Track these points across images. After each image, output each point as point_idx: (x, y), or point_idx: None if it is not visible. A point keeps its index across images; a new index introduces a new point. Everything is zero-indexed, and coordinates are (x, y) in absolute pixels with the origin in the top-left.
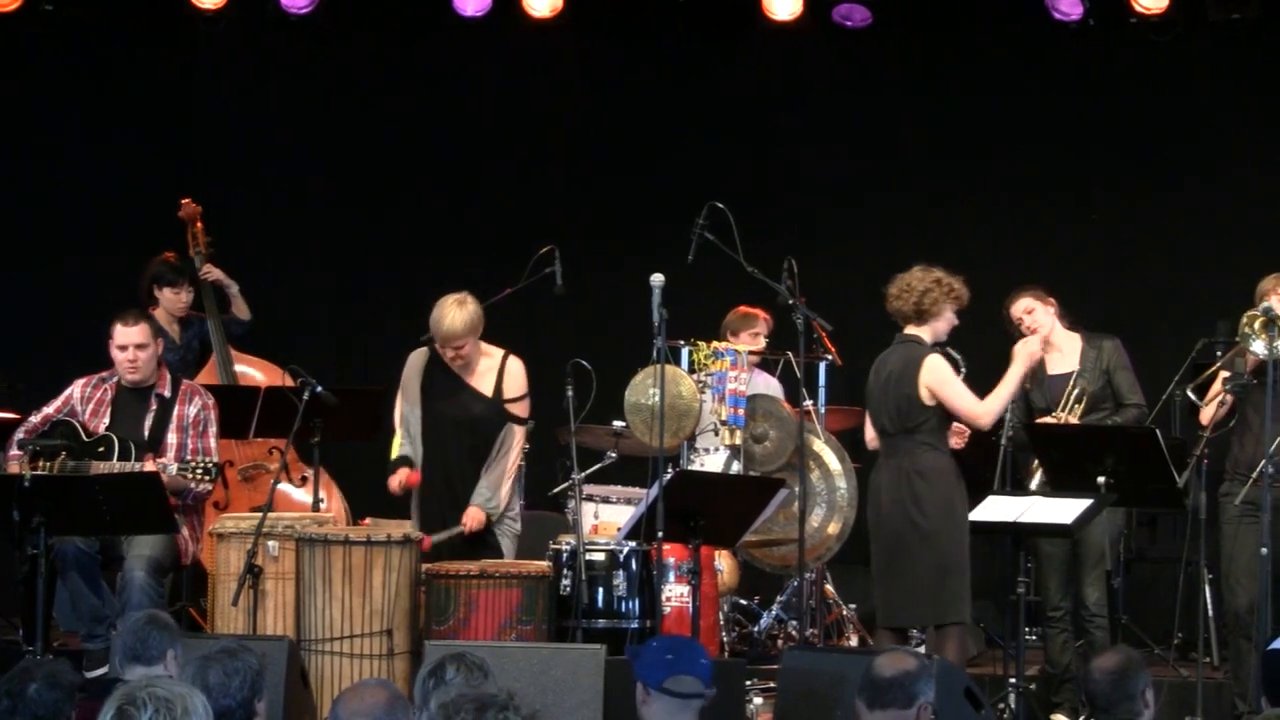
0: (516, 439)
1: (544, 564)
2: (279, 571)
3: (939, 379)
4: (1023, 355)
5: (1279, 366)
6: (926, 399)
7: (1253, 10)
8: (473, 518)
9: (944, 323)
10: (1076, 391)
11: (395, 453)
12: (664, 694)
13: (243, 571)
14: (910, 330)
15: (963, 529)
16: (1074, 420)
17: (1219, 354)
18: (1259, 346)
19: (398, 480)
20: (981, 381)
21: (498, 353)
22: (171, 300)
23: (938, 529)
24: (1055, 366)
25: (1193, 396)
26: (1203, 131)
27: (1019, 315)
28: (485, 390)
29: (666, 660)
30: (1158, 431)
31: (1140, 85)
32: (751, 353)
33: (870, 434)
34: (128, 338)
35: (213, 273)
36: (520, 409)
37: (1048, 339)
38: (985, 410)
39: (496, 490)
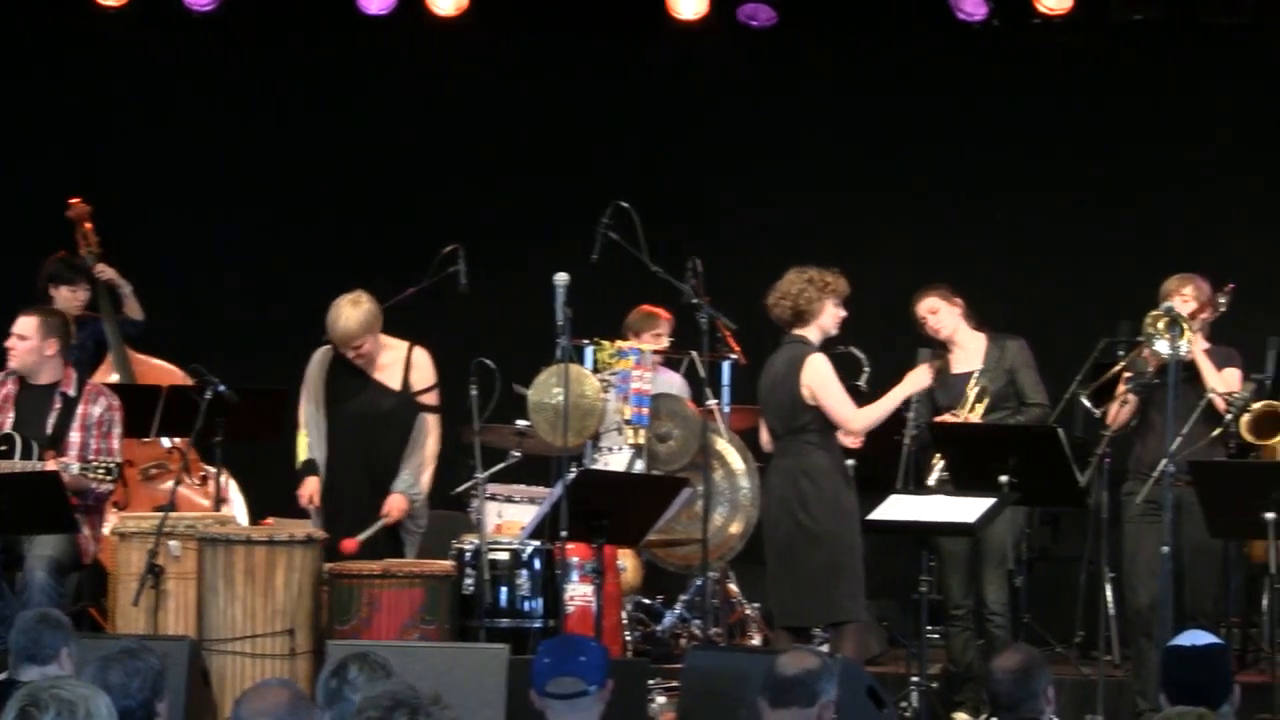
0: (432, 427)
1: (447, 563)
2: (180, 571)
3: (819, 380)
4: (910, 382)
5: (1181, 366)
6: (809, 399)
7: (1156, 11)
8: (395, 505)
9: (828, 318)
10: (977, 390)
11: (302, 455)
12: (549, 697)
13: (144, 571)
14: (797, 332)
15: (852, 528)
16: (975, 419)
17: (1121, 354)
18: (1162, 346)
19: (306, 494)
20: (886, 382)
21: (402, 345)
22: (68, 299)
23: (826, 529)
24: (959, 365)
25: (1087, 403)
26: (1107, 132)
27: (924, 314)
28: (393, 384)
29: (545, 664)
30: (1060, 431)
31: (1044, 85)
32: (655, 352)
33: (765, 436)
34: (15, 327)
35: (106, 272)
36: (432, 398)
37: (951, 339)
38: (858, 420)
39: (418, 477)
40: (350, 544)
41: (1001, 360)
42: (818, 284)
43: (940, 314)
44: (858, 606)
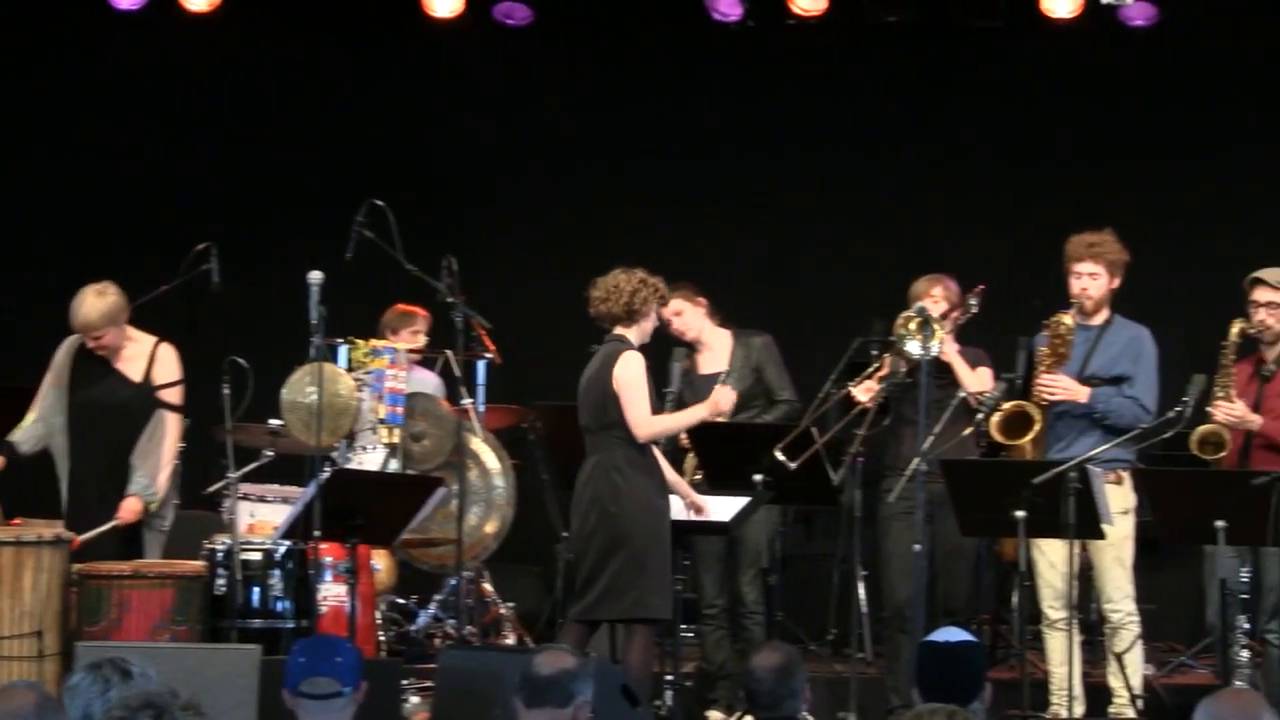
0: (170, 425)
1: (198, 564)
2: None
3: (627, 376)
4: (710, 403)
5: (934, 366)
6: (616, 390)
7: (909, 13)
8: (129, 509)
9: (650, 323)
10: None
11: (17, 433)
12: (301, 697)
13: None
14: (618, 331)
15: (662, 524)
16: (722, 419)
17: (874, 353)
18: (914, 347)
19: None
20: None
21: (148, 339)
22: None
23: (635, 524)
24: (706, 366)
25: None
26: (860, 133)
27: (669, 316)
28: (134, 376)
29: (300, 663)
30: (814, 430)
31: (799, 86)
32: (411, 351)
33: None
34: None
35: None
36: (173, 395)
37: (698, 339)
38: (647, 426)
39: (154, 478)
40: (75, 541)
41: (748, 358)
42: (650, 286)
43: (685, 315)
44: (663, 604)
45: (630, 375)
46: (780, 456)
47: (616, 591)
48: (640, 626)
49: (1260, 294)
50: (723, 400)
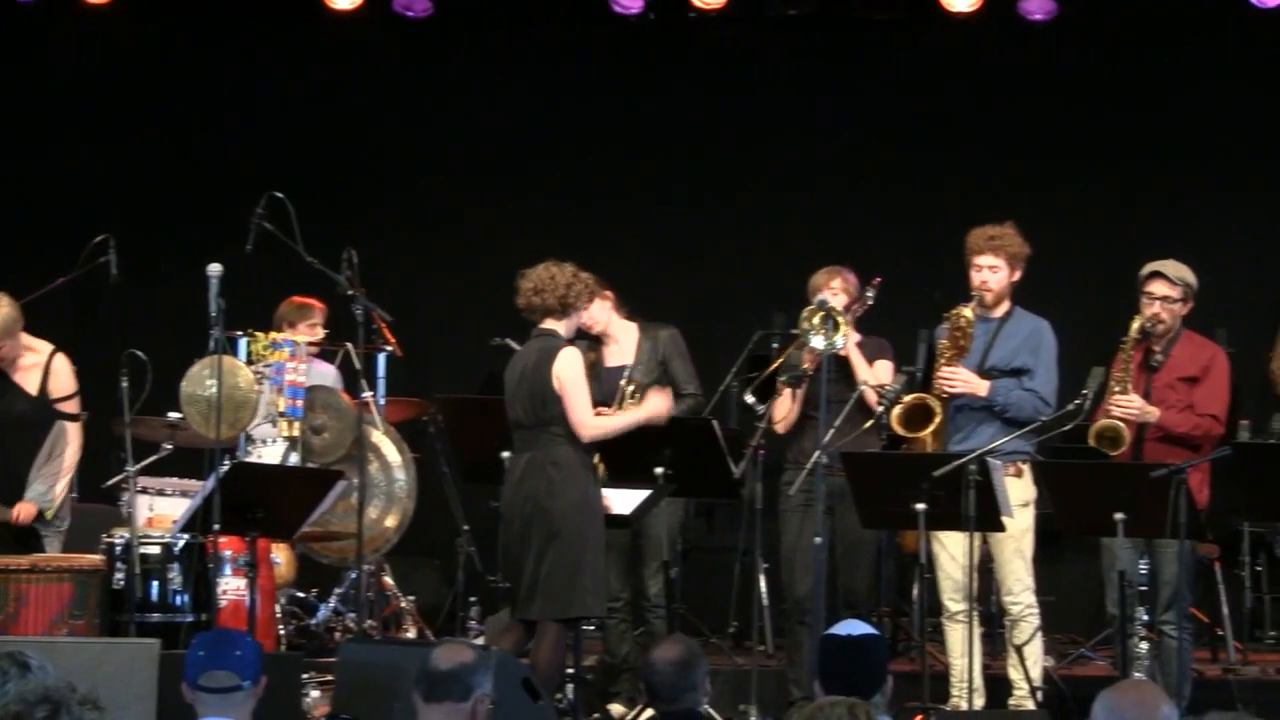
0: (72, 436)
1: (97, 558)
2: None
3: (570, 374)
4: (649, 407)
5: (835, 359)
6: (559, 389)
7: (809, 6)
8: (24, 509)
9: (580, 317)
10: (632, 388)
11: None
12: (200, 690)
13: None
14: (549, 324)
15: (599, 522)
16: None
17: (775, 346)
18: (818, 341)
19: None
20: None
21: (45, 348)
22: None
23: (573, 522)
24: (612, 359)
25: (751, 400)
26: (761, 125)
27: None
28: (30, 388)
29: (199, 657)
30: (715, 422)
31: (700, 79)
32: (310, 344)
33: None
34: None
35: None
36: (71, 407)
37: (605, 332)
38: (592, 428)
39: (52, 487)
40: None
41: (654, 351)
42: (583, 281)
43: (593, 309)
44: (597, 601)
45: (574, 374)
46: (750, 399)
47: (556, 589)
48: (554, 623)
49: (1157, 287)
50: (661, 405)
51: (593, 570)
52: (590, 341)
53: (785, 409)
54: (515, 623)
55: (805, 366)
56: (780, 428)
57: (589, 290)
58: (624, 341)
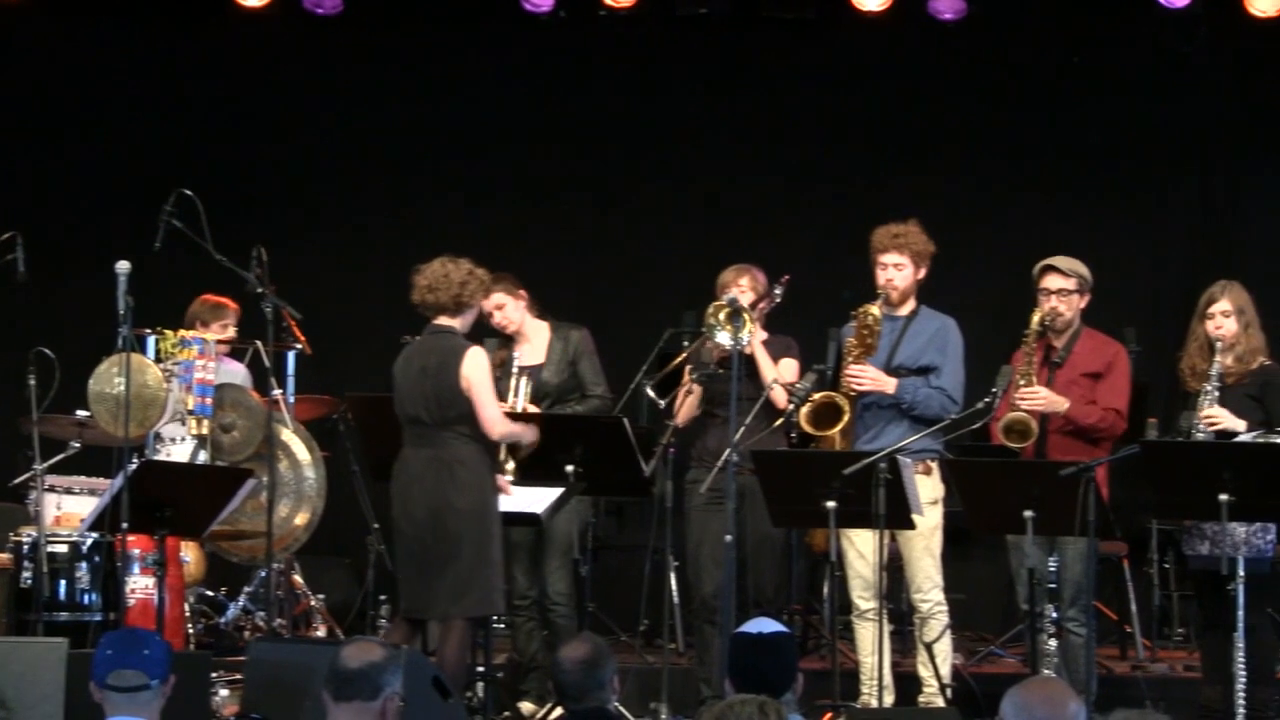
0: None
1: (4, 556)
2: None
3: (479, 375)
4: (528, 431)
5: (744, 357)
6: (466, 389)
7: (720, 5)
8: None
9: (474, 315)
10: (527, 382)
11: None
12: (108, 689)
13: None
14: (443, 321)
15: (497, 521)
16: (534, 411)
17: (685, 344)
18: (724, 337)
19: None
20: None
21: None
22: None
23: (478, 522)
24: (526, 358)
25: (652, 394)
26: (671, 124)
27: (490, 309)
28: None
29: (107, 656)
30: (625, 420)
31: (610, 78)
32: (219, 342)
33: None
34: None
35: None
36: None
37: (519, 331)
38: (503, 427)
39: None
40: None
41: (565, 351)
42: (478, 278)
43: (507, 308)
44: (499, 599)
45: (482, 374)
46: (651, 393)
47: (466, 588)
48: (459, 621)
49: (1052, 281)
50: (530, 436)
51: (497, 569)
52: (501, 339)
53: (681, 400)
54: (401, 621)
55: (714, 364)
56: (679, 421)
57: (483, 288)
58: (536, 341)
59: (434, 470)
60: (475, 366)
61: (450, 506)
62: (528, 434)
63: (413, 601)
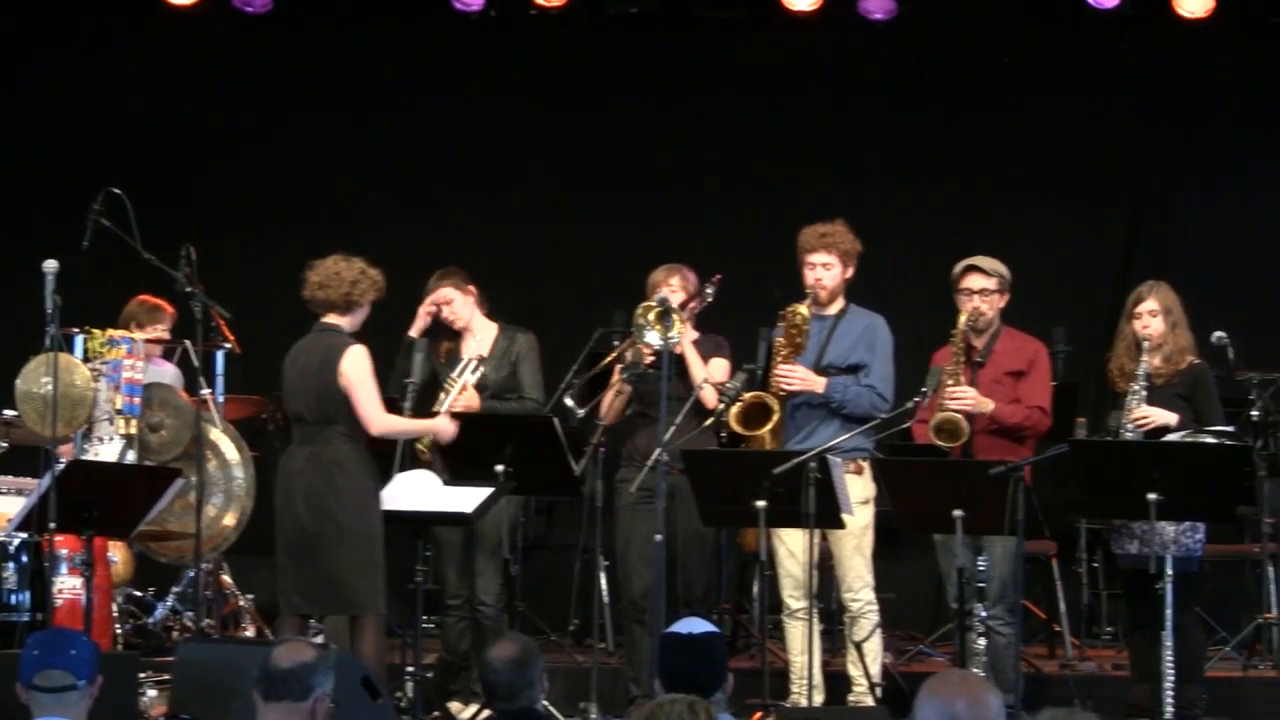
0: None
1: None
2: None
3: (358, 373)
4: (437, 424)
5: (674, 357)
6: (344, 389)
7: (651, 4)
8: None
9: (364, 314)
10: (475, 367)
11: None
12: (35, 690)
13: None
14: (331, 319)
15: (379, 520)
16: (470, 399)
17: (616, 343)
18: (653, 337)
19: None
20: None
21: None
22: None
23: (356, 520)
24: (470, 354)
25: (570, 403)
26: (601, 123)
27: (438, 304)
28: None
29: (34, 656)
30: (555, 420)
31: (541, 78)
32: (149, 341)
33: None
34: None
35: None
36: None
37: (467, 327)
38: (381, 424)
39: None
40: None
41: (509, 350)
42: (370, 277)
43: (455, 304)
44: (381, 599)
45: (362, 373)
46: (569, 402)
47: (338, 588)
48: (371, 619)
49: (974, 280)
50: (447, 429)
51: (377, 567)
52: (426, 339)
53: (609, 401)
54: (286, 618)
55: (645, 364)
56: (607, 420)
57: (375, 288)
58: (482, 338)
59: (313, 469)
60: (354, 365)
61: (326, 508)
62: (440, 430)
63: (290, 598)
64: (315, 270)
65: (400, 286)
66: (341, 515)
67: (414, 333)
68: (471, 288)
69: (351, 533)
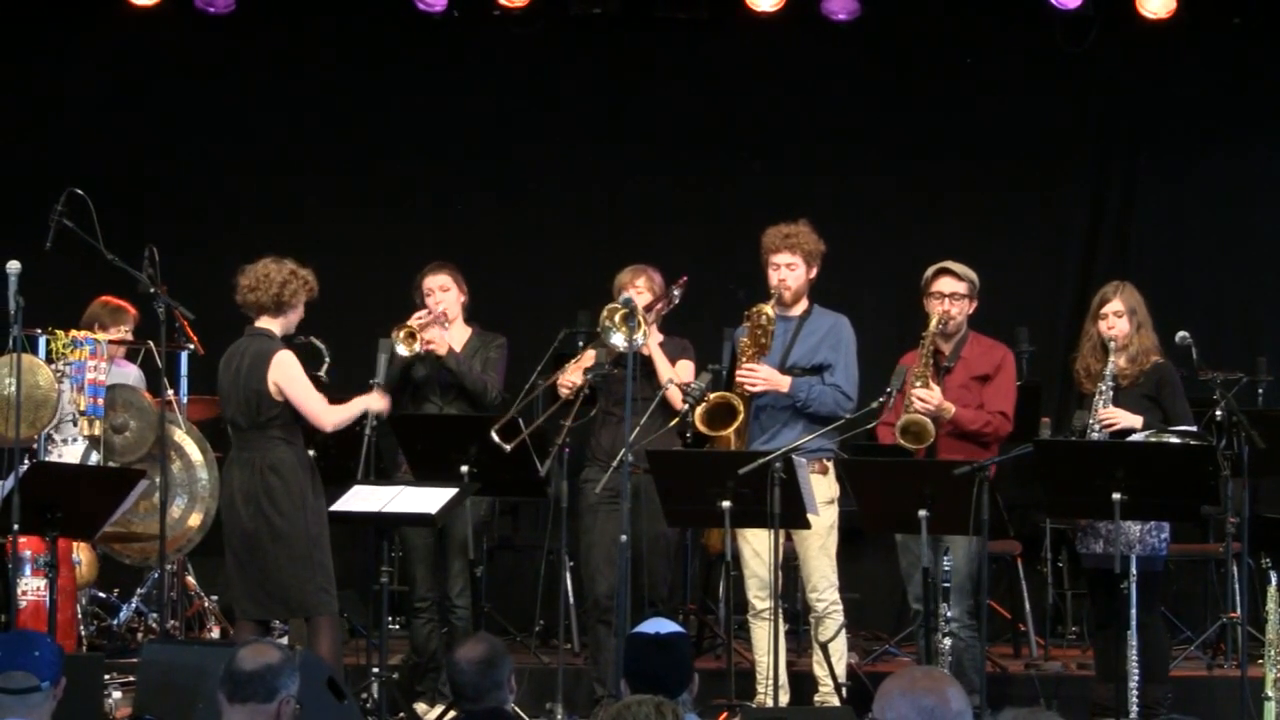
0: None
1: None
2: None
3: (287, 376)
4: (369, 400)
5: (640, 358)
6: (275, 394)
7: (613, 5)
8: None
9: (297, 315)
10: (442, 373)
11: None
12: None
13: None
14: (264, 323)
15: (319, 522)
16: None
17: (581, 344)
18: (618, 339)
19: None
20: (346, 373)
21: None
22: None
23: (293, 524)
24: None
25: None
26: (564, 124)
27: (433, 289)
28: None
29: None
30: (521, 421)
31: (503, 78)
32: (113, 342)
33: None
34: None
35: None
36: None
37: (451, 322)
38: (330, 417)
39: None
40: None
41: (481, 350)
42: (300, 278)
43: (450, 294)
44: (329, 600)
45: (291, 374)
46: (495, 438)
47: (281, 591)
48: (325, 619)
49: (945, 284)
50: (379, 404)
51: (321, 568)
52: (390, 340)
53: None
54: (242, 623)
55: (609, 362)
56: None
57: (306, 289)
58: (455, 337)
59: (248, 474)
60: (282, 371)
61: (261, 513)
62: (371, 405)
63: (242, 604)
64: (245, 274)
65: (362, 288)
66: (277, 519)
67: (413, 320)
68: (464, 289)
69: (288, 535)
